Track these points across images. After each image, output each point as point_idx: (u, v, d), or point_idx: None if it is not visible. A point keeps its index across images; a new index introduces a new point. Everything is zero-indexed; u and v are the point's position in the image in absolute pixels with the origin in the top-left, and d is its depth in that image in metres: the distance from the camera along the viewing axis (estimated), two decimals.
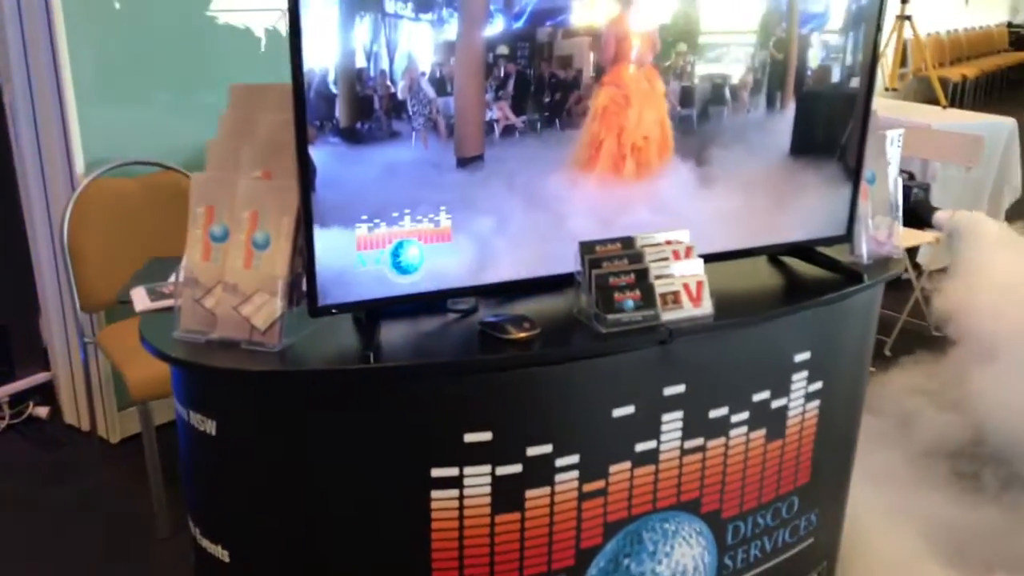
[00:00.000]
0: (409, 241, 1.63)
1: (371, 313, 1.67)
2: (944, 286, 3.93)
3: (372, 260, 1.61)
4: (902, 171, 4.79)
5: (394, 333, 1.69)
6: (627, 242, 1.77)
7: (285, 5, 1.42)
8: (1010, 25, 13.66)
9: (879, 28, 1.97)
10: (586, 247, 1.74)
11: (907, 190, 4.73)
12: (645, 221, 1.83)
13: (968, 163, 4.24)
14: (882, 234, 2.10)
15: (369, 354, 1.55)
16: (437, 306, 1.78)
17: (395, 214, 1.60)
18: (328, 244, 1.56)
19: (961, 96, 10.65)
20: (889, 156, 2.17)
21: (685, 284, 1.76)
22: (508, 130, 1.65)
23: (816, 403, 2.01)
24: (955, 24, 11.60)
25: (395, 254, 1.63)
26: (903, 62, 7.68)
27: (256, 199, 1.62)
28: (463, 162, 1.63)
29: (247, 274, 1.61)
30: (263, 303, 1.61)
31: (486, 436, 1.62)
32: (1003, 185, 5.31)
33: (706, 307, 1.77)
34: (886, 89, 5.93)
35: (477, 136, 1.62)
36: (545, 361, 1.64)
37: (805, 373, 1.96)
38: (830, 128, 2.00)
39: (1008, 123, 5.20)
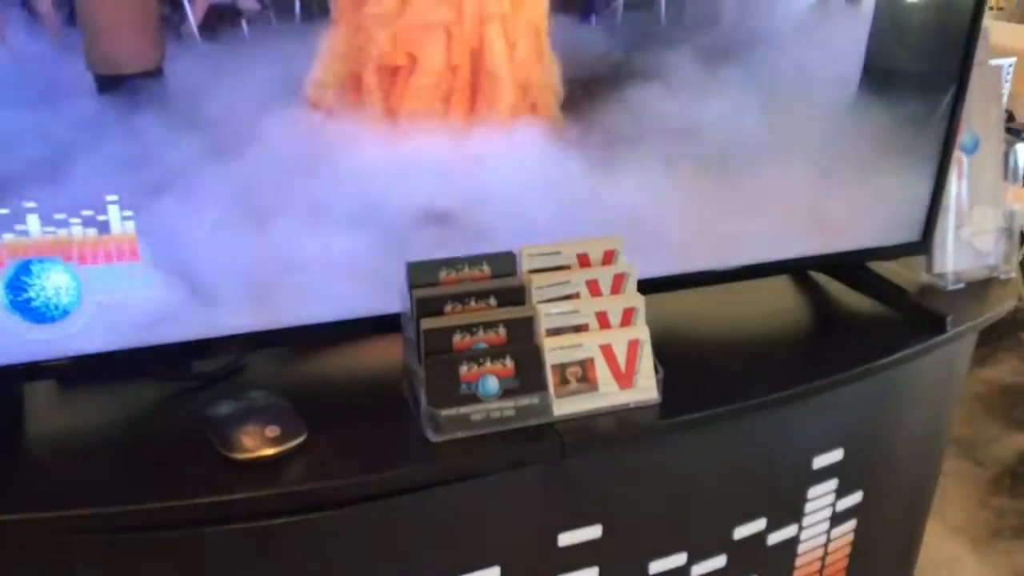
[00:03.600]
0: (45, 262, 0.84)
1: None
2: None
3: None
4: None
5: (60, 418, 0.92)
6: (500, 262, 0.95)
7: None
8: None
9: None
10: (418, 271, 0.93)
11: None
12: (538, 223, 1.00)
13: None
14: (984, 239, 1.24)
15: None
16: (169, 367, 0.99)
17: (2, 209, 0.81)
18: None
19: None
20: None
21: (605, 347, 0.94)
22: (224, 18, 0.82)
23: (850, 525, 1.19)
24: None
25: (16, 286, 0.84)
26: None
27: None
28: (114, 86, 0.80)
29: None
30: None
31: None
32: None
33: (645, 388, 0.95)
34: (990, 8, 4.84)
35: (141, 32, 0.79)
36: (291, 509, 0.84)
37: (833, 484, 1.13)
38: (912, 48, 1.13)
39: None
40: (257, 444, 0.84)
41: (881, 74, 1.09)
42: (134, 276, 0.87)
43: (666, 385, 0.95)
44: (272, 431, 0.85)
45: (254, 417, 0.86)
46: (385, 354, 1.01)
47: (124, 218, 0.85)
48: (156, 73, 0.79)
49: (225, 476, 0.83)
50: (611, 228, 0.99)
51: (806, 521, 1.13)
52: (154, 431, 0.91)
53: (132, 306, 0.88)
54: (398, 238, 0.95)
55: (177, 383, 0.97)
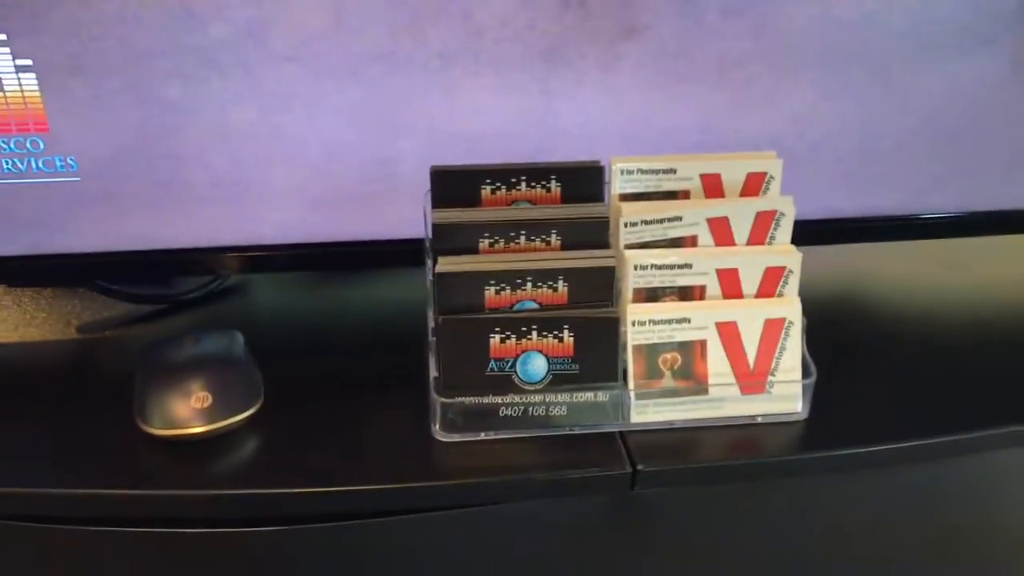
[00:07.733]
0: None
1: None
2: None
3: None
4: None
5: None
6: (579, 177, 0.62)
7: None
8: None
9: None
10: (447, 181, 0.61)
11: None
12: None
13: None
14: None
15: None
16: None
17: None
18: None
19: None
20: None
21: (727, 327, 0.60)
22: None
23: None
24: None
25: None
26: None
27: None
28: None
29: None
30: None
31: None
32: None
33: (784, 397, 0.61)
34: None
35: None
36: (207, 519, 0.57)
37: None
38: None
39: None
40: (179, 416, 0.58)
41: None
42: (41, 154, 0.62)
43: (819, 394, 0.60)
44: (201, 399, 0.58)
45: (188, 373, 0.60)
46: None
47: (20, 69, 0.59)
48: None
49: (129, 456, 0.57)
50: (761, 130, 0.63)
51: None
52: (78, 371, 0.68)
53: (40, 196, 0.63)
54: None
55: (125, 303, 0.73)
